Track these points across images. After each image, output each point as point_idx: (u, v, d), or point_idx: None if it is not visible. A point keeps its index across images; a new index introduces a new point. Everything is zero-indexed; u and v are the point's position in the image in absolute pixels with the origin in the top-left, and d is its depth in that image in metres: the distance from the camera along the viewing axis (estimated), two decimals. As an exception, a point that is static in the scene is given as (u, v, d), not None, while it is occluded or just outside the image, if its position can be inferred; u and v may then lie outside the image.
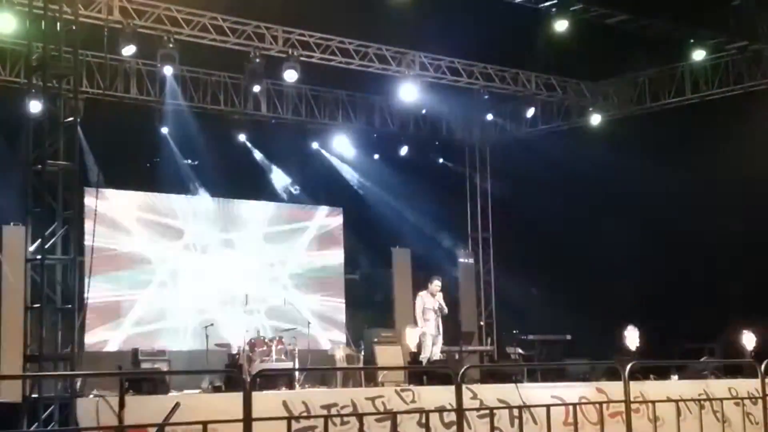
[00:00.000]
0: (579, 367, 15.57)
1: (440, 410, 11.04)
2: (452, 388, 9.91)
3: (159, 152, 19.52)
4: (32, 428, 10.07)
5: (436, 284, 16.79)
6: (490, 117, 21.05)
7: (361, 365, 17.20)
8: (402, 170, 21.99)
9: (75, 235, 11.24)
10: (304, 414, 10.54)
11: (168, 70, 16.92)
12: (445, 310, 16.87)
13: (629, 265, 19.86)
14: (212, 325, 16.63)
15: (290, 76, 17.28)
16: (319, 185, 21.25)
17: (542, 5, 15.85)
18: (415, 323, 16.98)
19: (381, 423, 10.70)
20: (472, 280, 22.47)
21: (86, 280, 12.37)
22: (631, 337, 17.39)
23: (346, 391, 13.68)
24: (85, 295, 13.26)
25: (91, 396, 10.28)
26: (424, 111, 21.06)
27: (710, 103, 19.23)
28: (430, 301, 16.68)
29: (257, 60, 16.99)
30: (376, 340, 18.37)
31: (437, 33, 17.30)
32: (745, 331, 18.19)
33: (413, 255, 21.20)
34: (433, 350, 16.71)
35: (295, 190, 21.24)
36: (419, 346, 16.86)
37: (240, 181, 20.01)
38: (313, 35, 17.38)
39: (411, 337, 17.96)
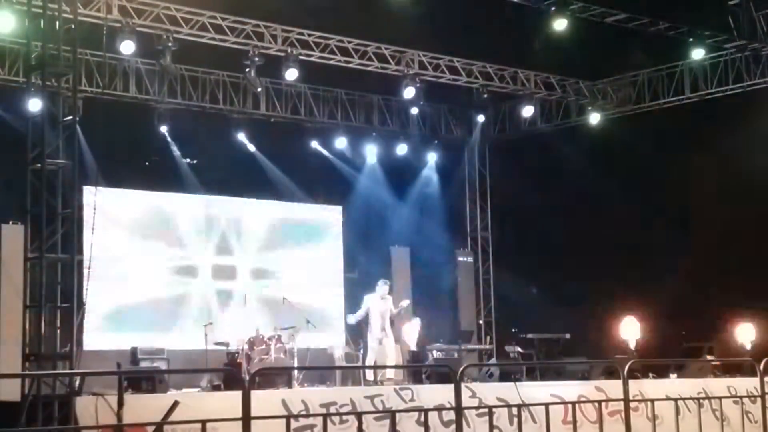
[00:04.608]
0: (578, 365, 15.57)
1: (439, 409, 11.07)
2: (451, 386, 9.92)
3: (158, 151, 19.50)
4: (31, 427, 10.05)
5: (382, 287, 16.32)
6: (488, 116, 21.00)
7: (360, 364, 17.18)
8: (401, 169, 21.98)
9: (74, 233, 11.24)
10: (303, 413, 10.56)
11: (167, 70, 16.91)
12: (394, 313, 16.30)
13: (629, 264, 19.85)
14: (211, 323, 16.60)
15: (291, 75, 17.27)
16: (318, 184, 21.21)
17: (541, 4, 15.84)
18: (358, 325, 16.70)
19: (380, 422, 10.72)
20: (472, 278, 22.43)
21: (85, 279, 12.37)
22: (629, 331, 17.37)
23: (345, 389, 13.69)
24: (84, 293, 13.26)
25: (90, 395, 10.28)
26: (421, 110, 21.01)
27: (709, 102, 19.22)
28: (378, 304, 16.24)
29: (256, 59, 16.99)
30: (375, 338, 18.32)
31: (436, 32, 17.29)
32: (744, 331, 18.21)
33: (412, 254, 21.19)
34: (385, 353, 15.98)
35: (294, 188, 21.19)
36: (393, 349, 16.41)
37: (239, 180, 19.98)
38: (312, 34, 17.37)
39: (409, 334, 17.94)
